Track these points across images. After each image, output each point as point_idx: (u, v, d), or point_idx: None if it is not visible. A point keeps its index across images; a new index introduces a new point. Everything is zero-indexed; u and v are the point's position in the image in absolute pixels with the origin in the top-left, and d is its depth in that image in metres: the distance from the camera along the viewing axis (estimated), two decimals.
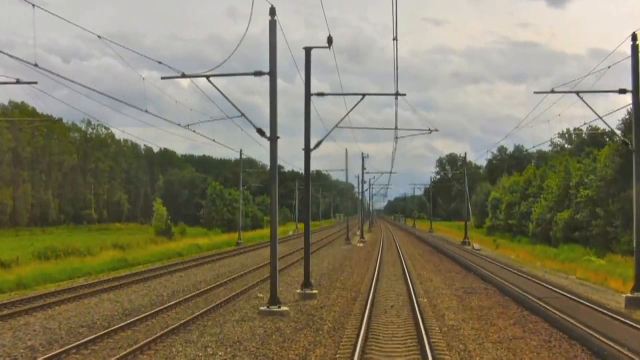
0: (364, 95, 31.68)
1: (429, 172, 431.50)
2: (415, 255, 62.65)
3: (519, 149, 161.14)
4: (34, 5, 20.85)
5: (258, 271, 43.15)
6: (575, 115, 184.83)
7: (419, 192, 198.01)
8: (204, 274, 42.37)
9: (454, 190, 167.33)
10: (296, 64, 30.02)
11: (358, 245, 77.97)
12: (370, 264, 49.45)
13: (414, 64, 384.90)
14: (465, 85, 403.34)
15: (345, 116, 33.32)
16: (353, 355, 17.42)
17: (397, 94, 32.47)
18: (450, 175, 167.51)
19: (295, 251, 59.53)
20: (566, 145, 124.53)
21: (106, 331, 21.24)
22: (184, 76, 25.57)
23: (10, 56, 21.86)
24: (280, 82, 26.74)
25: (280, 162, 29.93)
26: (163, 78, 27.23)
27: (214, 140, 36.59)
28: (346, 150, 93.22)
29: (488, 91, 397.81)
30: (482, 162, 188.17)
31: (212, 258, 55.79)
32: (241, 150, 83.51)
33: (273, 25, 24.62)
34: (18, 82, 27.83)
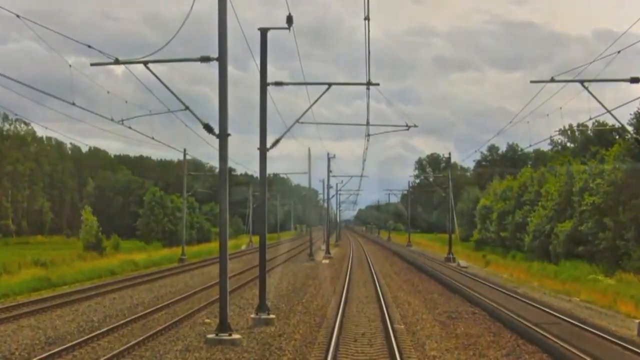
0: (329, 84, 31.78)
1: (406, 176, 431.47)
2: (391, 273, 62.86)
3: (512, 148, 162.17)
4: None
5: (205, 292, 43.09)
6: (579, 109, 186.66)
7: (395, 199, 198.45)
8: (140, 295, 42.25)
9: (436, 196, 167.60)
10: (250, 48, 29.90)
11: (323, 261, 78.12)
12: (338, 284, 49.53)
13: (389, 47, 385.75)
14: (449, 73, 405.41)
15: (308, 109, 33.40)
16: None
17: (368, 84, 32.57)
18: (431, 179, 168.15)
19: (249, 269, 59.51)
20: (568, 144, 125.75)
21: None
22: (117, 62, 25.44)
23: None
24: (231, 70, 26.72)
25: (231, 163, 29.84)
26: (93, 64, 27.04)
27: (152, 138, 36.41)
28: (309, 149, 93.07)
29: (476, 80, 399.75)
30: (469, 164, 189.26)
31: (151, 277, 55.63)
32: (185, 150, 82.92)
33: (222, 1, 24.56)
34: None
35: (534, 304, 38.51)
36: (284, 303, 37.80)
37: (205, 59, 25.14)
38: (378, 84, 32.71)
